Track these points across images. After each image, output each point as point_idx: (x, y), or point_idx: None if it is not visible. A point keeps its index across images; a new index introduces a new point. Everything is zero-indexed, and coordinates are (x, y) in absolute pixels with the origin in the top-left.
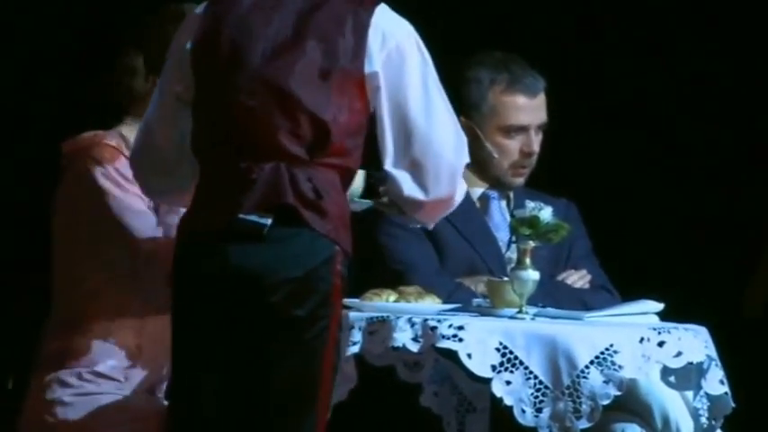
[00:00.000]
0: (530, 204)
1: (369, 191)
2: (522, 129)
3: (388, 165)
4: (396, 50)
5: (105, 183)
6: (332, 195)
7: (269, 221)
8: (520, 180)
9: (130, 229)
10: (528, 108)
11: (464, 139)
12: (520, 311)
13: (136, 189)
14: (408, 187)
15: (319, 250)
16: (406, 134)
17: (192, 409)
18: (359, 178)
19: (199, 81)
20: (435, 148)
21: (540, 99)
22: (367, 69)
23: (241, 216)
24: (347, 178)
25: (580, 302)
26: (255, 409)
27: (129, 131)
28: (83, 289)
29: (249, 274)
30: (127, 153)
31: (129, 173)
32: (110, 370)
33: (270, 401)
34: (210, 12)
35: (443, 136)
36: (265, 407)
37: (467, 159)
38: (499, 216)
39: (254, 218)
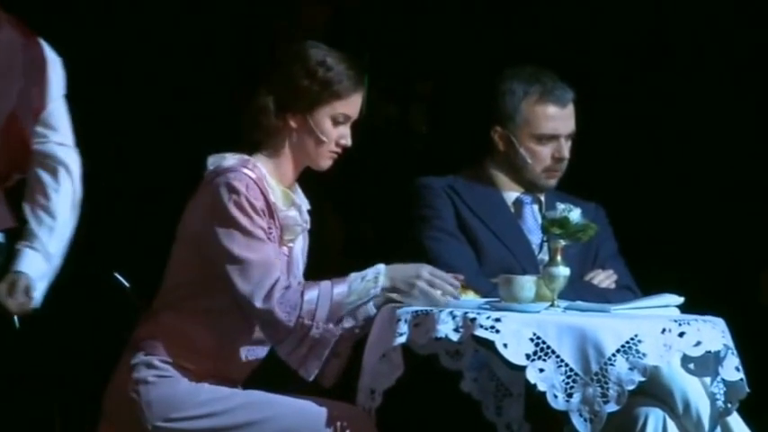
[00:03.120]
0: (560, 206)
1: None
2: (554, 137)
3: None
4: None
5: (234, 210)
6: None
7: None
8: (552, 182)
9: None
10: (558, 117)
11: None
12: (552, 305)
13: (261, 221)
14: None
15: None
16: None
17: None
18: (531, 286)
19: None
20: None
21: (570, 109)
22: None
23: None
24: None
25: (605, 301)
26: None
27: (264, 163)
28: (178, 292)
29: None
30: (261, 184)
31: (257, 203)
32: (184, 361)
33: None
34: None
35: None
36: None
37: None
38: (532, 220)
39: None
